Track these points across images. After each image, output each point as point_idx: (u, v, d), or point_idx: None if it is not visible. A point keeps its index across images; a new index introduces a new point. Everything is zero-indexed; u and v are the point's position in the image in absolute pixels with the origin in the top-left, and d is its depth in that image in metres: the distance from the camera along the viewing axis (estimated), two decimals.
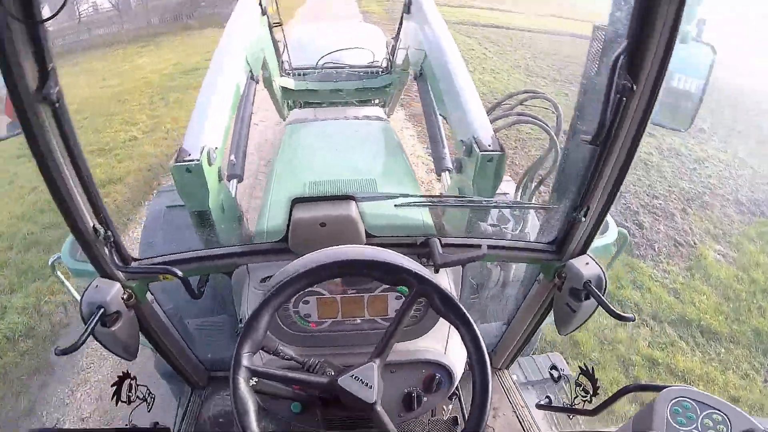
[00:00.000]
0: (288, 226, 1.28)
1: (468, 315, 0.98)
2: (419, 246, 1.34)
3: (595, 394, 1.79)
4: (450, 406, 1.75)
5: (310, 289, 1.14)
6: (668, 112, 1.29)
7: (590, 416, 1.51)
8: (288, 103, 3.53)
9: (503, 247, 1.41)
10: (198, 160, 1.42)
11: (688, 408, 0.98)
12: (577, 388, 1.81)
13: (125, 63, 10.61)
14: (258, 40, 2.48)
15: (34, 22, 0.82)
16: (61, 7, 0.81)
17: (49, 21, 0.83)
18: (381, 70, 3.58)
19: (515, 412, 1.82)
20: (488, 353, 1.86)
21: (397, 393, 1.20)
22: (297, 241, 1.29)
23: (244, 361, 0.91)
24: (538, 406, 1.80)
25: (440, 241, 1.33)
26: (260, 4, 2.65)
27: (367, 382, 0.90)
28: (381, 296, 1.24)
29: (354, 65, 3.70)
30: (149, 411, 1.41)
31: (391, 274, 1.00)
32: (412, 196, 1.40)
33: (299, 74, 3.53)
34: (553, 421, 1.96)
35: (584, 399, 1.69)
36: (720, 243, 4.60)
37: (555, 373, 1.86)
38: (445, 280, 1.42)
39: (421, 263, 1.32)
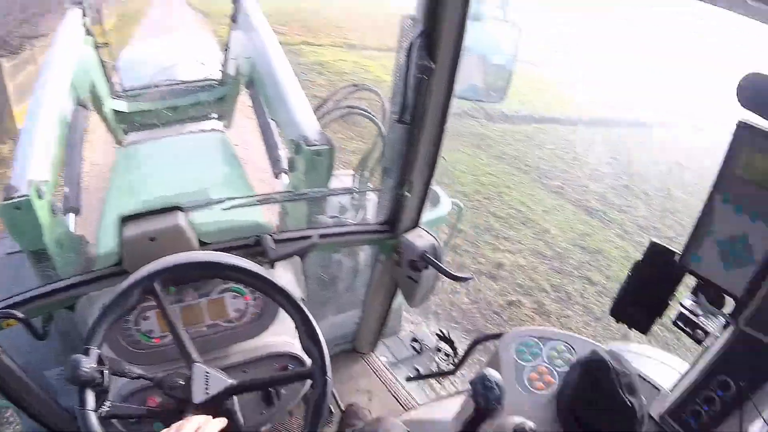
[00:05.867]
0: (121, 247, 1.25)
1: (297, 300, 1.02)
2: (253, 246, 1.36)
3: (455, 354, 1.95)
4: None
5: (148, 303, 1.15)
6: (487, 88, 1.43)
7: (453, 375, 1.63)
8: (123, 128, 3.36)
9: (336, 234, 1.46)
10: (27, 195, 1.36)
11: (531, 345, 1.11)
12: (438, 353, 1.93)
13: None
14: (84, 63, 2.35)
15: None
16: None
17: None
18: (215, 82, 3.54)
19: (389, 390, 1.90)
20: (351, 340, 1.92)
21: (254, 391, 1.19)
22: (132, 261, 1.24)
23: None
24: (408, 379, 1.89)
25: (272, 238, 1.36)
26: (84, 25, 2.50)
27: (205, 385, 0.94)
28: (218, 298, 1.25)
29: (188, 80, 3.61)
30: None
31: (209, 270, 1.06)
32: (238, 198, 1.41)
33: (132, 95, 3.37)
34: (425, 390, 2.08)
35: (446, 361, 1.81)
36: None
37: (417, 346, 1.97)
38: (286, 276, 1.43)
39: (257, 261, 1.30)
